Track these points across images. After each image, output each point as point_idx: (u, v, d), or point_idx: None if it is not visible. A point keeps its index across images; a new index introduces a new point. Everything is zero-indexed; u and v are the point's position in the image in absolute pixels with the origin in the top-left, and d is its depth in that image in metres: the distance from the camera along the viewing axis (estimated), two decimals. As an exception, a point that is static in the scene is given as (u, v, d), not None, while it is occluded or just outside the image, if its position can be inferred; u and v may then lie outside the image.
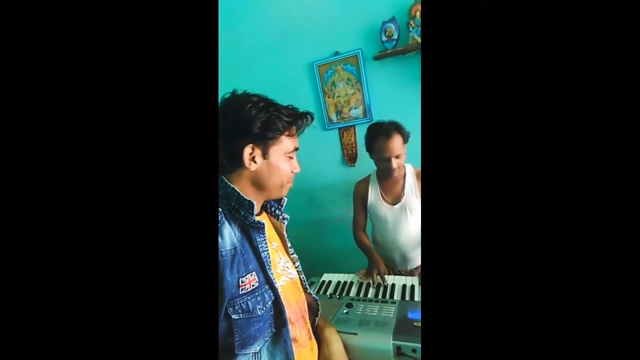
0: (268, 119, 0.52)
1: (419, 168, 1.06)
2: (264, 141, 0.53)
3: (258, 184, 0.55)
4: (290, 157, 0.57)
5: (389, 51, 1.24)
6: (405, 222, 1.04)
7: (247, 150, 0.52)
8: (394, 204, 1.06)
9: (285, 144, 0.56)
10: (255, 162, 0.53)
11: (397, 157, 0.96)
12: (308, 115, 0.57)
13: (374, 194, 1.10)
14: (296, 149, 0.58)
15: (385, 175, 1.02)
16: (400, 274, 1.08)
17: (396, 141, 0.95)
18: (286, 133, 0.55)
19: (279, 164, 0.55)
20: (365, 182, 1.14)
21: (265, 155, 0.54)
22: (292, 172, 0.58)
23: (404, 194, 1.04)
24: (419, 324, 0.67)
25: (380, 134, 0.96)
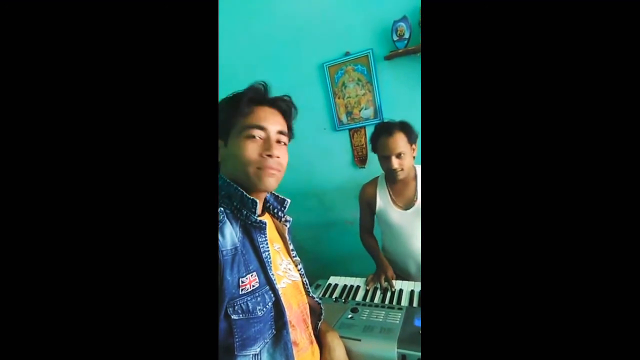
0: (220, 108, 0.52)
1: None
2: (223, 129, 0.53)
3: (230, 176, 0.54)
4: (250, 137, 0.51)
5: (400, 51, 1.21)
6: (420, 228, 1.00)
7: None
8: (406, 208, 0.99)
9: (239, 123, 0.52)
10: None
11: (398, 155, 0.91)
12: (253, 86, 0.55)
13: (382, 199, 1.03)
14: (257, 127, 0.51)
15: (391, 176, 0.97)
16: None
17: (398, 139, 0.90)
18: (240, 112, 0.52)
19: (235, 148, 0.52)
20: (372, 185, 1.07)
21: (226, 143, 0.54)
22: (261, 155, 0.51)
23: (417, 198, 0.98)
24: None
25: (383, 132, 0.93)
